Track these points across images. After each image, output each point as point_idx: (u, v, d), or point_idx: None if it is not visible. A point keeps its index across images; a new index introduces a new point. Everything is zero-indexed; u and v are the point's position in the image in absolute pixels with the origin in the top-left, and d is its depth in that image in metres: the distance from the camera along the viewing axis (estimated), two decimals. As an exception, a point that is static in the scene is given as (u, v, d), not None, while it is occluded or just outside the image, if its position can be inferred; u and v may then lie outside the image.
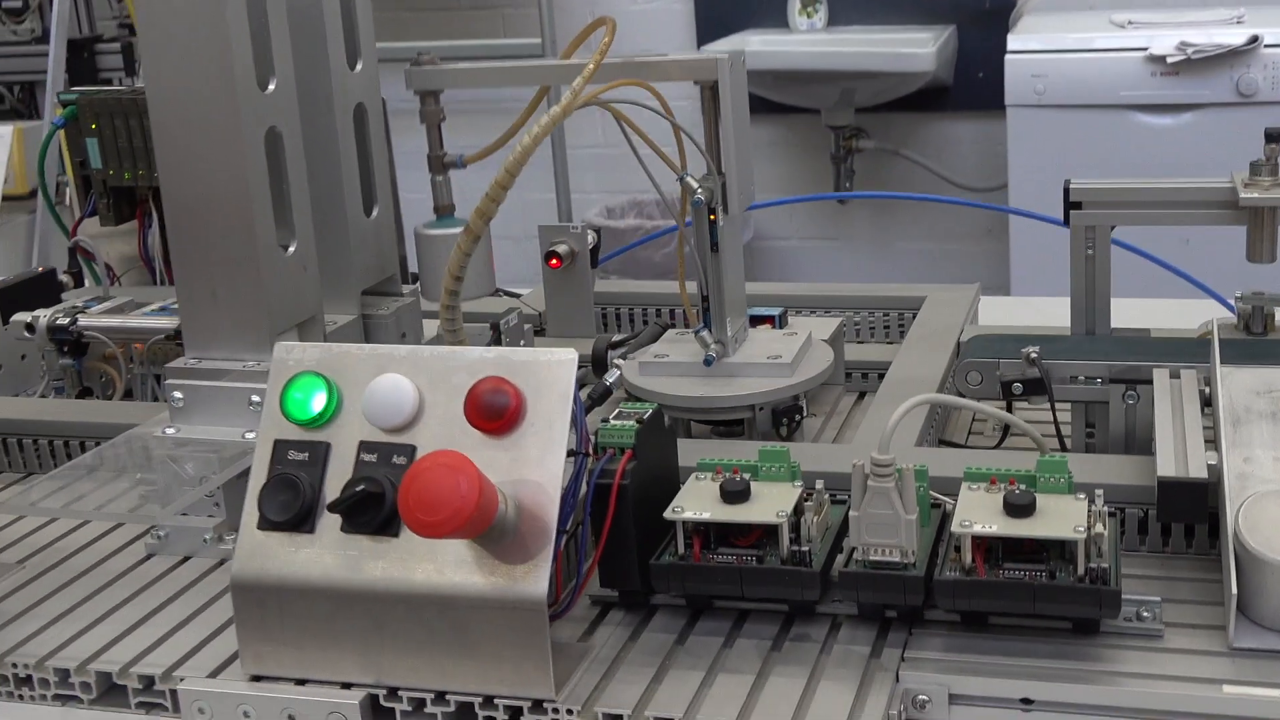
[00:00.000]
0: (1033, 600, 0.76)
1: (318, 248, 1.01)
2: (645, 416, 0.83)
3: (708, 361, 1.02)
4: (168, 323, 1.14)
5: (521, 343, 1.09)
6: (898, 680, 0.76)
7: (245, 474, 0.93)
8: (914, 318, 1.28)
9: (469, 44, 3.82)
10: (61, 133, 1.43)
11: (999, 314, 1.38)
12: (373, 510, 0.76)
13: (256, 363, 0.96)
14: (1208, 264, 3.00)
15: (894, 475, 0.77)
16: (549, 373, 0.77)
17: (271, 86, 0.94)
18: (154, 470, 0.94)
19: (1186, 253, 2.91)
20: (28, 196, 3.31)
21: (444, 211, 1.12)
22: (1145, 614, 0.79)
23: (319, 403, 0.79)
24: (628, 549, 0.81)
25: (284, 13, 0.95)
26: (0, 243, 3.19)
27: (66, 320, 1.18)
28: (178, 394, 0.97)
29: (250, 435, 0.95)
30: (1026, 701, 0.75)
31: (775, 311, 1.15)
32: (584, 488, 0.80)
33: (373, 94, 1.06)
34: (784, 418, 1.00)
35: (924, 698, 0.76)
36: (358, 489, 0.76)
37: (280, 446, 0.79)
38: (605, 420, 0.83)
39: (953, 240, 3.89)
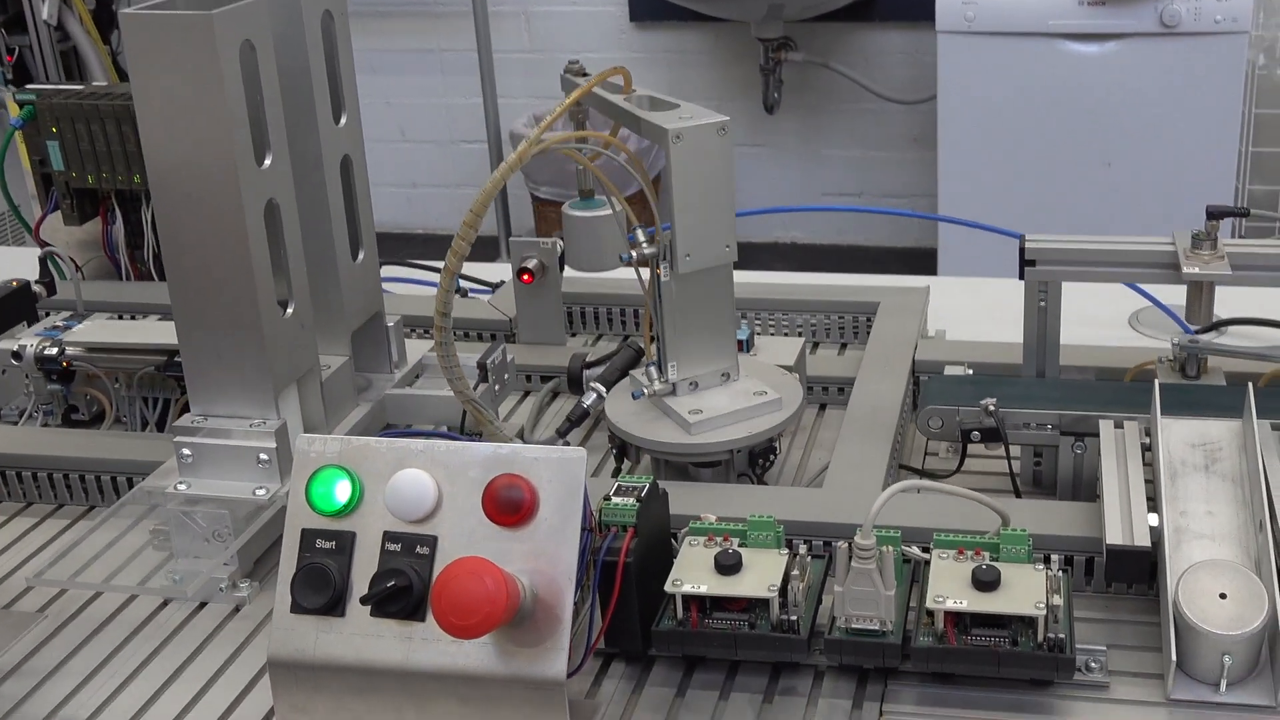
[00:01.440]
0: (998, 665, 0.85)
1: (310, 295, 1.05)
2: (643, 494, 0.90)
3: (635, 395, 1.09)
4: (156, 357, 1.18)
5: (506, 376, 1.14)
6: (878, 734, 0.86)
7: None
8: (868, 321, 1.35)
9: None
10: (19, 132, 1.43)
11: (946, 303, 1.45)
12: (402, 600, 0.83)
13: (261, 421, 1.01)
14: (1131, 187, 3.10)
15: (875, 556, 0.85)
16: (560, 469, 0.84)
17: (268, 161, 0.97)
18: (168, 525, 0.99)
19: (1108, 175, 3.02)
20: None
21: (586, 195, 1.22)
22: (1093, 665, 0.89)
23: (343, 494, 0.85)
24: (631, 616, 0.89)
25: (276, 85, 0.97)
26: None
27: (54, 350, 1.20)
28: (186, 451, 1.01)
29: (260, 492, 1.01)
30: (993, 752, 0.85)
31: (743, 335, 1.21)
32: (590, 562, 0.87)
33: (357, 144, 1.09)
34: (760, 458, 1.07)
35: (901, 749, 0.86)
36: (388, 585, 0.82)
37: (308, 535, 0.85)
38: (607, 498, 0.89)
39: (880, 148, 3.95)
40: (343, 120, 1.07)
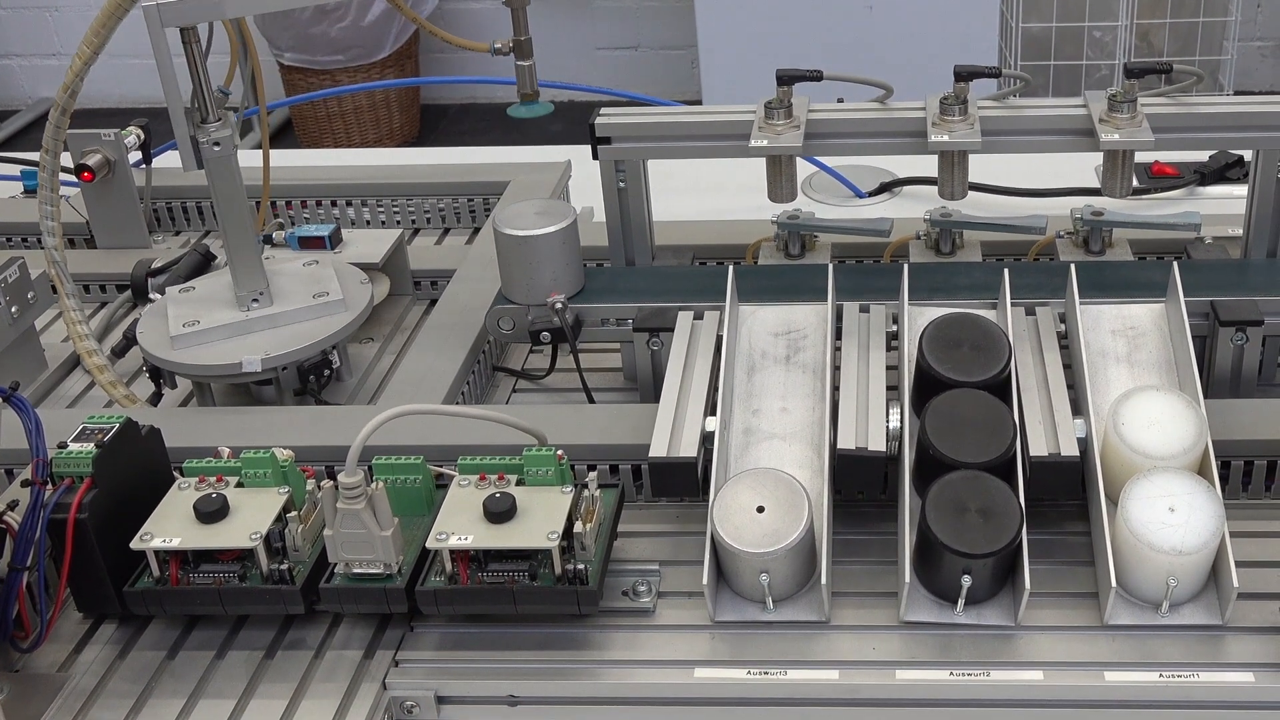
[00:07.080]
0: (514, 603, 0.76)
1: None
2: (108, 437, 0.77)
3: None
4: None
5: (30, 295, 0.98)
6: (385, 688, 0.76)
7: None
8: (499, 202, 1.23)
9: None
10: None
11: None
12: None
13: None
14: (893, 32, 3.01)
15: (364, 496, 0.74)
16: (-32, 418, 0.70)
17: None
18: None
19: (870, 18, 2.93)
20: None
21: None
22: (641, 588, 0.80)
23: None
24: (98, 579, 0.77)
25: None
26: None
27: None
28: None
29: None
30: (513, 698, 0.76)
31: (325, 231, 1.08)
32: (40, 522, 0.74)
33: None
34: (311, 374, 0.95)
35: (411, 704, 0.76)
36: None
37: None
38: (63, 445, 0.76)
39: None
40: None
